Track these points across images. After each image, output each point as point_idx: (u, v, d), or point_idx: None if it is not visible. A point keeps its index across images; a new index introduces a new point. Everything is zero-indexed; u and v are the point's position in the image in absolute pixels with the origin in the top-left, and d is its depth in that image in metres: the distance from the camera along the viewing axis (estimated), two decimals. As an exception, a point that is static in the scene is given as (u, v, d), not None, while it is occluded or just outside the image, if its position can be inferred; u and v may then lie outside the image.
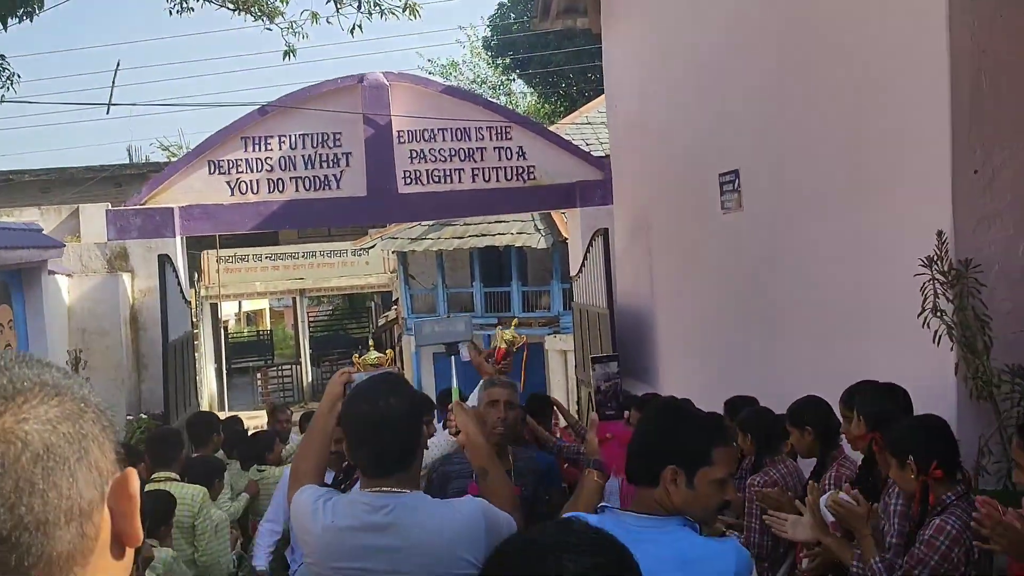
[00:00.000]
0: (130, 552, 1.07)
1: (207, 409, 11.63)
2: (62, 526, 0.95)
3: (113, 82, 11.71)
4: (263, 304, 35.79)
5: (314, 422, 2.95)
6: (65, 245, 8.95)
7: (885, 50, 4.57)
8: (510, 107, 31.84)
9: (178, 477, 4.86)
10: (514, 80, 32.32)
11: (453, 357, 3.93)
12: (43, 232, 8.64)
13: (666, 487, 2.38)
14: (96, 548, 1.00)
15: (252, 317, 38.81)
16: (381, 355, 3.51)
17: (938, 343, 4.05)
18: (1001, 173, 4.12)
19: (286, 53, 10.02)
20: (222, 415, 8.72)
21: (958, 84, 4.07)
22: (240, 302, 32.22)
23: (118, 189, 20.27)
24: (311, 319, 29.88)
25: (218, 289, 20.89)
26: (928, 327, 4.06)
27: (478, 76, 32.74)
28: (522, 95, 32.84)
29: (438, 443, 4.19)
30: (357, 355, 3.47)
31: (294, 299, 26.62)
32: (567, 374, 15.60)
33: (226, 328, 29.23)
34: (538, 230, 16.16)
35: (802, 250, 5.49)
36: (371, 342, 3.84)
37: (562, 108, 28.02)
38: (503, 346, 4.52)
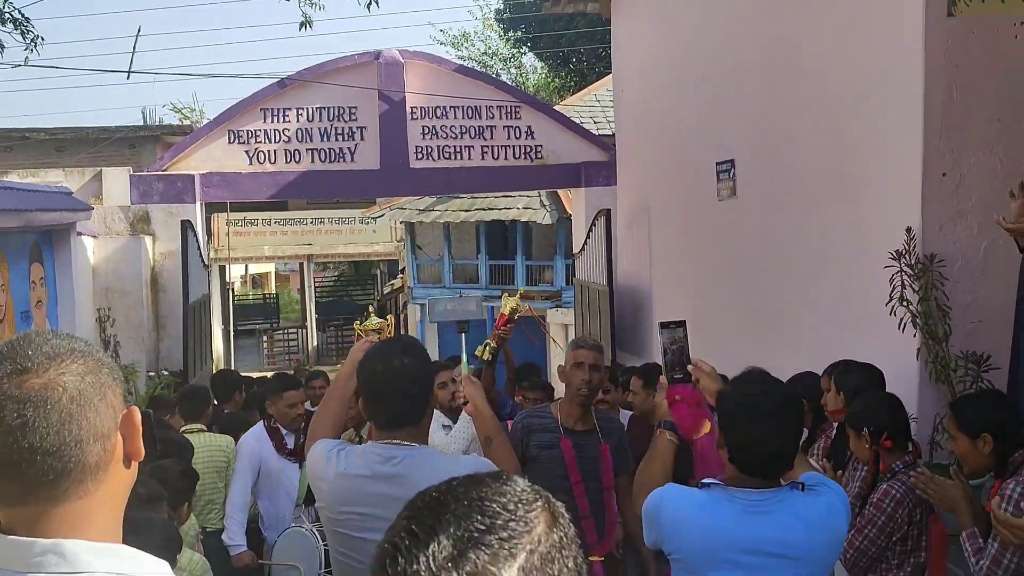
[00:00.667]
0: (134, 465, 1.52)
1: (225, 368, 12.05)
2: (91, 444, 1.39)
3: (134, 48, 11.97)
4: (269, 268, 36.16)
5: (334, 385, 3.11)
6: (93, 208, 9.36)
7: (867, 62, 4.95)
8: (519, 80, 32.09)
9: (206, 428, 5.34)
10: (524, 53, 32.41)
11: (463, 335, 4.17)
12: (72, 195, 9.05)
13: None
14: (113, 460, 1.44)
15: (258, 280, 39.16)
16: (382, 320, 3.65)
17: (903, 330, 4.47)
18: (968, 178, 4.52)
19: (302, 24, 10.31)
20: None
21: (931, 96, 4.46)
22: (247, 265, 32.61)
23: (132, 151, 20.56)
24: (317, 284, 30.27)
25: (227, 252, 21.24)
26: (895, 315, 4.48)
27: (489, 48, 32.81)
28: (532, 69, 32.94)
29: (460, 433, 4.39)
30: (358, 322, 3.68)
31: (301, 264, 26.96)
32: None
33: (232, 290, 29.64)
34: (544, 206, 16.51)
35: (789, 238, 5.90)
36: (371, 308, 4.08)
37: (572, 84, 28.14)
38: (505, 312, 4.66)
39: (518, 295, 4.93)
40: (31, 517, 1.40)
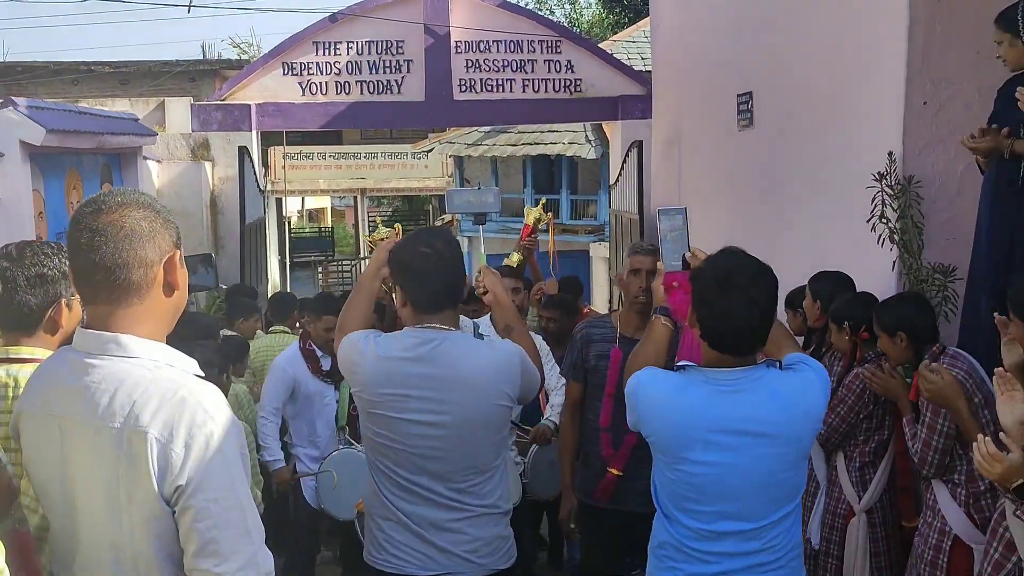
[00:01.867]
0: (176, 295, 2.06)
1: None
2: (136, 268, 1.95)
3: (194, -17, 12.57)
4: (325, 202, 36.96)
5: (360, 282, 3.23)
6: (157, 134, 10.05)
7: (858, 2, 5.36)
8: (573, 16, 32.17)
9: (288, 330, 6.04)
10: (578, -14, 32.44)
11: (480, 227, 4.26)
12: (138, 121, 9.74)
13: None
14: (154, 285, 1.99)
15: (314, 215, 40.03)
16: (389, 230, 3.74)
17: (882, 244, 4.94)
18: (947, 106, 4.92)
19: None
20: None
21: (915, 29, 4.86)
22: (303, 199, 33.43)
23: (192, 84, 21.27)
24: (371, 219, 31.04)
25: (284, 184, 21.97)
26: (875, 231, 4.95)
27: (541, -20, 32.87)
28: (587, 4, 33.00)
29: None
30: (367, 233, 3.89)
31: (355, 198, 27.65)
32: (609, 279, 16.56)
33: (289, 223, 30.49)
34: (588, 141, 16.92)
35: (791, 164, 6.35)
36: (379, 220, 4.35)
37: (625, 19, 28.17)
38: (530, 222, 4.69)
39: (540, 205, 4.92)
40: (100, 316, 1.97)
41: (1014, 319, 2.98)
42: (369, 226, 29.55)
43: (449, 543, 2.92)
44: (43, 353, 2.65)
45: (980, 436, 2.79)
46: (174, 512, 1.87)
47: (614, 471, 3.90)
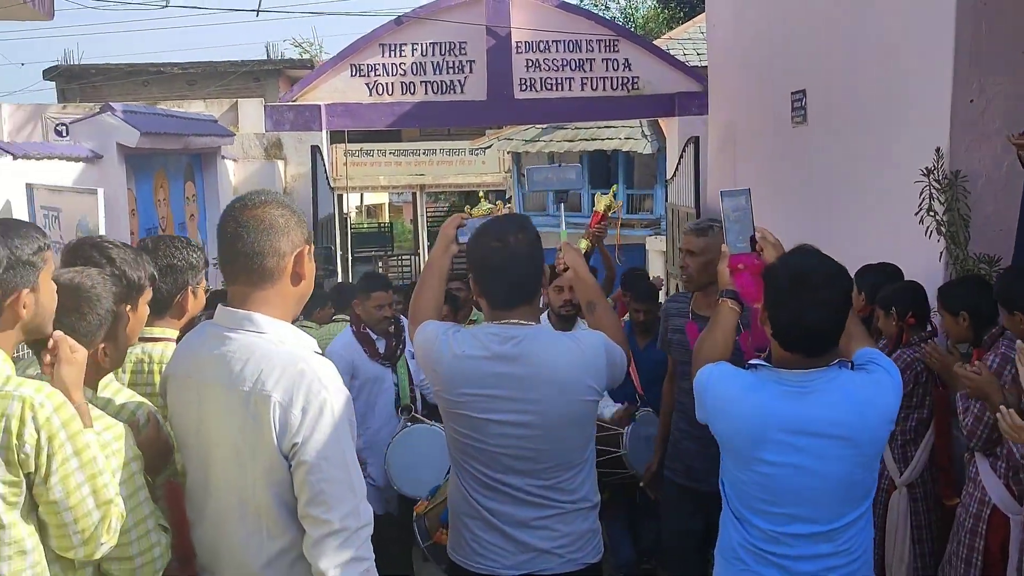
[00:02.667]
0: (302, 284, 2.32)
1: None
2: (270, 257, 2.23)
3: (262, -13, 13.07)
4: (383, 198, 37.48)
5: (430, 263, 3.13)
6: (235, 135, 10.55)
7: (910, 2, 5.60)
8: (629, 12, 32.33)
9: (349, 319, 6.30)
10: (635, -17, 32.55)
11: (561, 204, 4.06)
12: (217, 123, 10.25)
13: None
14: (284, 274, 2.27)
15: (373, 210, 40.59)
16: (492, 206, 3.56)
17: (929, 236, 5.18)
18: (993, 103, 5.14)
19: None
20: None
21: (961, 29, 5.09)
22: (362, 195, 33.99)
23: (257, 83, 21.88)
24: (429, 214, 31.48)
25: (345, 181, 22.47)
26: (923, 224, 5.19)
27: (599, -22, 33.03)
28: (642, 0, 33.10)
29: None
30: (469, 207, 3.50)
31: (414, 194, 28.06)
32: (666, 272, 16.78)
33: (349, 219, 31.00)
34: (644, 136, 17.14)
35: (842, 159, 6.59)
36: (481, 194, 3.87)
37: (680, 15, 28.26)
38: (600, 209, 4.53)
39: (612, 192, 4.77)
40: (239, 295, 2.27)
41: (1000, 309, 3.51)
42: (427, 221, 30.04)
43: (538, 540, 2.84)
44: (172, 333, 3.02)
45: (1003, 408, 3.03)
46: (290, 466, 2.15)
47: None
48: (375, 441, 5.07)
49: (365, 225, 37.56)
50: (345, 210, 28.74)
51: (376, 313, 5.09)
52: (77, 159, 6.83)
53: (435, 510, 4.03)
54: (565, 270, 3.14)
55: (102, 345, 2.40)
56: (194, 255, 3.08)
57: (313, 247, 2.41)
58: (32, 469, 1.99)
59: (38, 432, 1.98)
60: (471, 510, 2.89)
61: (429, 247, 28.78)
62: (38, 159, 6.34)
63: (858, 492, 2.60)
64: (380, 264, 29.39)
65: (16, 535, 2.01)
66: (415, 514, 4.14)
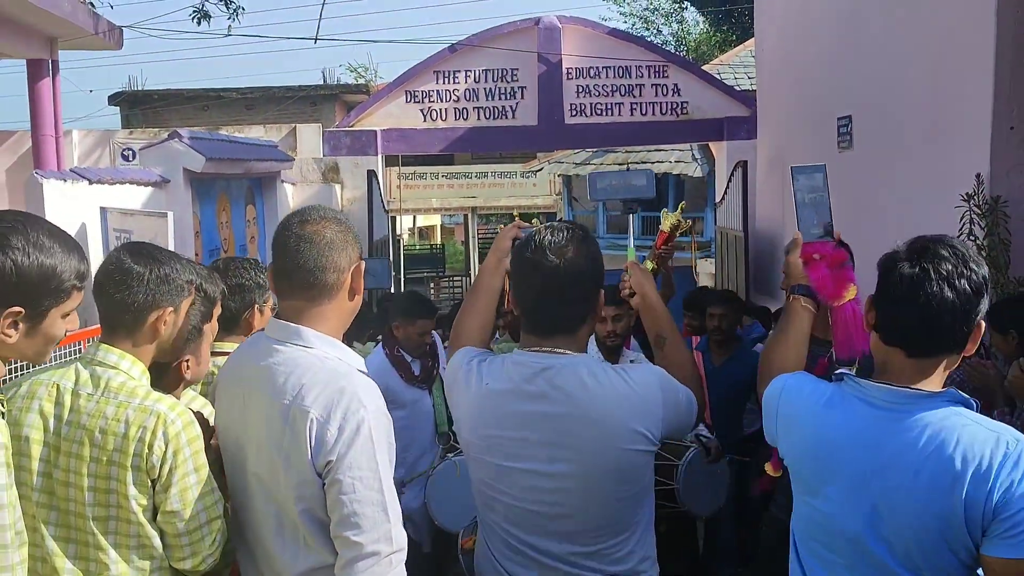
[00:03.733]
0: (357, 299, 2.30)
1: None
2: (330, 272, 2.22)
3: (320, 16, 13.51)
4: (435, 220, 37.87)
5: (478, 280, 2.67)
6: (294, 159, 10.90)
7: (949, 32, 5.73)
8: (681, 35, 32.46)
9: None
10: (686, 8, 32.67)
11: (632, 216, 3.49)
12: (277, 148, 10.61)
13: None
14: (342, 289, 2.25)
15: (424, 232, 40.99)
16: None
17: (970, 260, 5.29)
18: (1033, 131, 5.27)
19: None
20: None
21: (1001, 61, 5.22)
22: (415, 217, 34.40)
23: (313, 107, 22.37)
24: (480, 236, 31.76)
25: (399, 204, 22.82)
26: (964, 248, 5.31)
27: (651, 3, 33.24)
28: (694, 23, 33.18)
29: None
30: (666, 209, 3.02)
31: (466, 216, 28.33)
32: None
33: (401, 241, 31.39)
34: (695, 159, 17.26)
35: (886, 184, 6.72)
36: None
37: (733, 38, 28.28)
38: (665, 229, 3.98)
39: (680, 209, 4.19)
40: (293, 309, 2.25)
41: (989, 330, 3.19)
42: (479, 242, 30.33)
43: None
44: (240, 348, 3.24)
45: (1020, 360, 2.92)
46: (323, 484, 2.11)
47: (770, 470, 3.36)
48: (414, 469, 4.77)
49: (417, 247, 37.95)
50: (398, 232, 29.19)
51: (419, 340, 4.86)
52: (146, 183, 7.18)
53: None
54: (631, 295, 2.60)
55: (186, 358, 2.57)
56: (261, 275, 3.29)
57: (363, 264, 2.39)
58: (156, 476, 2.19)
59: (166, 445, 2.18)
60: None
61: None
62: (111, 184, 6.69)
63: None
64: (432, 285, 29.70)
65: (148, 532, 2.22)
66: (461, 548, 3.89)
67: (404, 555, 2.15)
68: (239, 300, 3.19)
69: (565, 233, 2.29)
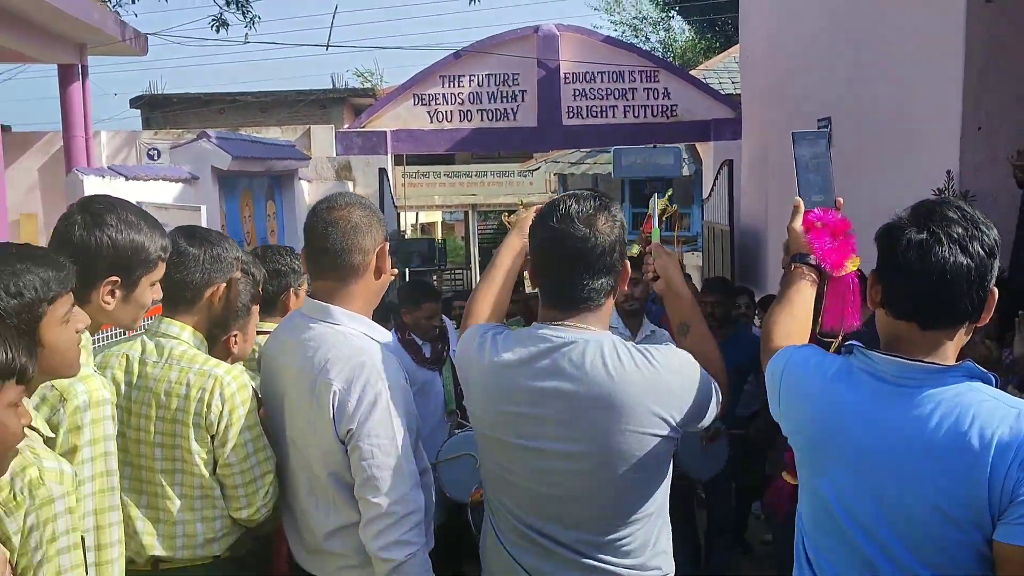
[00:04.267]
0: (383, 278, 2.32)
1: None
2: (356, 253, 2.25)
3: (332, 24, 13.58)
4: (436, 217, 37.98)
5: (498, 258, 2.46)
6: (310, 159, 11.01)
7: (923, 39, 5.87)
8: (668, 42, 32.56)
9: None
10: (673, 17, 32.77)
11: (655, 195, 3.10)
12: (294, 147, 10.72)
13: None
14: (368, 270, 2.28)
15: (426, 228, 41.07)
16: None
17: (941, 250, 5.44)
18: (999, 130, 5.39)
19: (471, -1, 11.56)
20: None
21: (970, 65, 5.35)
22: (417, 213, 34.52)
23: (323, 110, 22.40)
24: (480, 232, 31.87)
25: (403, 201, 22.93)
26: (934, 238, 5.45)
27: (640, 12, 33.34)
28: (680, 30, 33.29)
29: None
30: (656, 195, 2.88)
31: (466, 213, 28.47)
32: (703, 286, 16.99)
33: (404, 236, 31.47)
34: (683, 159, 17.38)
35: (864, 181, 6.86)
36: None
37: (716, 45, 28.39)
38: (653, 214, 3.63)
39: (668, 194, 3.85)
40: (324, 289, 2.31)
41: None
42: (478, 238, 30.47)
43: None
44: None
45: None
46: (346, 449, 2.18)
47: (790, 479, 3.18)
48: (429, 448, 4.63)
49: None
50: (402, 227, 29.28)
51: (426, 324, 4.88)
52: (177, 180, 7.30)
53: None
54: (655, 279, 2.36)
55: (234, 334, 2.69)
56: (295, 261, 3.40)
57: (388, 245, 2.42)
58: (215, 432, 2.33)
59: (223, 404, 2.32)
60: (503, 564, 2.17)
61: (481, 262, 29.27)
62: (144, 180, 6.81)
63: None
64: (435, 277, 29.83)
65: (209, 484, 2.37)
66: (470, 502, 3.93)
67: (421, 515, 2.20)
68: (276, 284, 3.29)
69: (592, 202, 2.07)
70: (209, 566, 2.42)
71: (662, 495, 2.13)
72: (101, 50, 10.43)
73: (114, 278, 2.07)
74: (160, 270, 2.21)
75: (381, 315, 6.01)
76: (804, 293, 2.15)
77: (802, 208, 2.25)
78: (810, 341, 2.10)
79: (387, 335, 2.38)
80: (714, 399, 2.12)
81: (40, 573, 1.67)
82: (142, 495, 2.36)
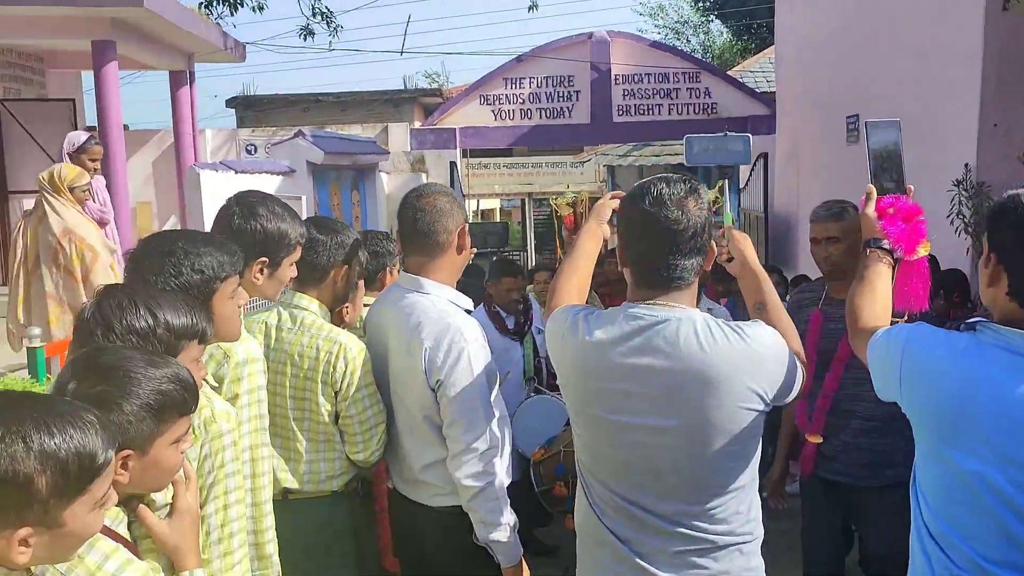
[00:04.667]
0: (464, 253, 2.45)
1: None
2: (442, 234, 2.39)
3: (405, 31, 13.79)
4: (495, 204, 38.14)
5: (578, 243, 2.33)
6: (389, 153, 11.26)
7: (945, 43, 5.87)
8: (707, 44, 32.22)
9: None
10: (712, 20, 32.40)
11: (726, 180, 3.04)
12: (375, 143, 10.98)
13: None
14: (451, 247, 2.42)
15: (486, 215, 41.23)
16: (718, 195, 2.67)
17: (958, 235, 5.47)
18: (1014, 127, 5.41)
19: (530, 7, 11.68)
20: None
21: (988, 68, 5.37)
22: (478, 201, 34.71)
23: (395, 109, 22.58)
24: (535, 217, 31.95)
25: (467, 190, 23.10)
26: (952, 224, 5.48)
27: (681, 17, 33.04)
28: (719, 33, 32.91)
29: None
30: (555, 199, 2.77)
31: (523, 200, 28.55)
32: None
33: (469, 222, 31.51)
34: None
35: (891, 173, 6.88)
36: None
37: (752, 46, 28.04)
38: (725, 198, 3.44)
39: (718, 186, 3.05)
40: (415, 264, 2.47)
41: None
42: (534, 223, 30.56)
43: None
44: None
45: None
46: (436, 396, 2.38)
47: (812, 438, 3.06)
48: (508, 408, 4.89)
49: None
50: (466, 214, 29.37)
51: (506, 296, 4.93)
52: (277, 173, 7.57)
53: (550, 460, 3.88)
54: (729, 260, 2.20)
55: (346, 306, 2.88)
56: (391, 244, 3.58)
57: (467, 225, 2.58)
58: (338, 389, 2.53)
59: (346, 366, 2.52)
60: (599, 535, 2.05)
61: (536, 245, 29.41)
62: (250, 173, 7.09)
63: None
64: (495, 258, 29.97)
65: (332, 431, 2.58)
66: (532, 461, 3.95)
67: (497, 451, 2.37)
68: (375, 263, 3.46)
69: (683, 185, 1.93)
70: (328, 499, 2.63)
71: (754, 467, 2.00)
72: (205, 58, 10.77)
73: (263, 259, 2.29)
74: (298, 252, 2.43)
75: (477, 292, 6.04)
76: (884, 276, 2.04)
77: (874, 194, 2.15)
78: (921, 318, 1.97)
79: (468, 302, 2.53)
80: (799, 374, 1.97)
81: (212, 492, 1.89)
82: (277, 438, 2.57)
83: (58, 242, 5.08)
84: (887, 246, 2.05)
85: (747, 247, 2.16)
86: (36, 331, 4.07)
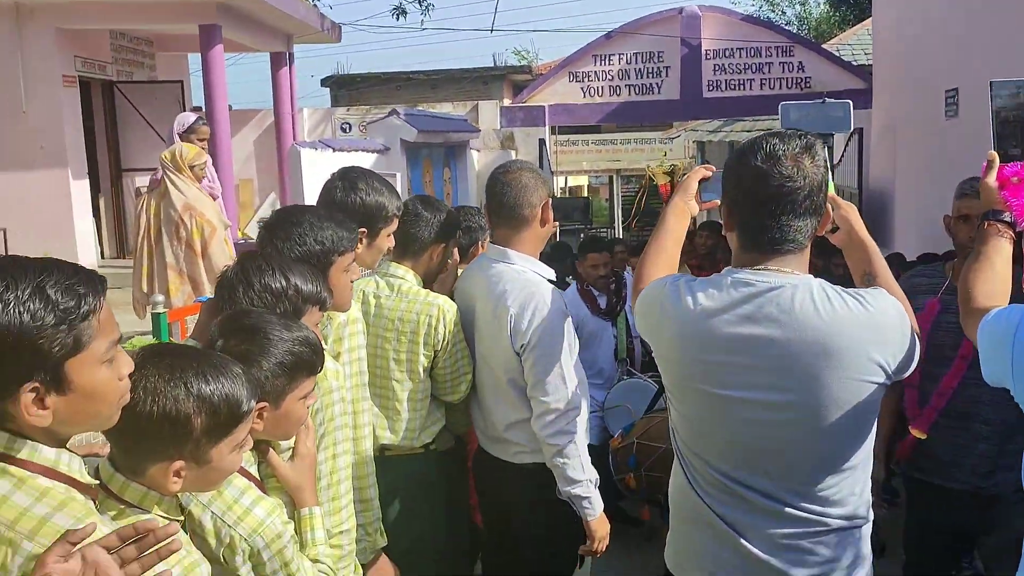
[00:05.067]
0: (547, 227, 2.61)
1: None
2: (526, 208, 2.58)
3: (496, 9, 13.91)
4: (583, 181, 38.09)
5: (664, 220, 2.17)
6: (480, 131, 11.45)
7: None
8: (804, 15, 31.29)
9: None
10: (809, -10, 31.44)
11: (826, 147, 2.70)
12: (466, 121, 11.19)
13: None
14: (535, 220, 2.60)
15: (573, 190, 41.20)
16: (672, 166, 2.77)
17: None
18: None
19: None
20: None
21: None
22: (566, 178, 34.72)
23: (485, 86, 22.79)
24: (623, 195, 31.79)
25: (555, 166, 23.16)
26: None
27: (776, -13, 32.13)
28: (815, 3, 31.92)
29: None
30: (648, 165, 2.65)
31: (610, 177, 28.46)
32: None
33: (554, 198, 31.60)
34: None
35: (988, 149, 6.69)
36: (660, 167, 2.49)
37: (851, 17, 27.14)
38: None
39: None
40: (502, 236, 2.66)
41: None
42: (622, 200, 30.42)
43: (789, 565, 1.82)
44: (467, 272, 3.74)
45: None
46: (520, 359, 2.55)
47: (916, 432, 2.87)
48: (599, 389, 4.65)
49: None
50: (553, 191, 29.46)
51: (592, 273, 4.85)
52: (372, 151, 7.84)
53: (624, 450, 3.87)
54: (834, 230, 2.03)
55: (441, 274, 3.10)
56: (481, 219, 3.74)
57: (551, 201, 2.71)
58: (438, 348, 2.74)
59: (444, 328, 2.72)
60: (697, 516, 1.91)
61: (623, 222, 29.29)
62: (347, 151, 7.37)
63: None
64: (582, 235, 30.03)
65: (428, 388, 2.80)
66: (610, 448, 3.97)
67: (578, 412, 2.55)
68: (468, 237, 3.67)
69: (798, 140, 1.77)
70: (421, 455, 2.84)
71: (869, 445, 1.85)
72: (304, 39, 11.14)
73: (363, 229, 2.48)
74: (395, 224, 2.61)
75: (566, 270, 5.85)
76: (1004, 251, 1.85)
77: (997, 162, 1.92)
78: (1011, 301, 1.79)
79: (551, 272, 2.68)
80: (918, 348, 1.82)
81: (323, 443, 2.09)
82: (376, 397, 2.78)
83: (180, 217, 5.47)
84: (1009, 219, 1.87)
85: (853, 217, 2.01)
86: (159, 298, 4.42)
